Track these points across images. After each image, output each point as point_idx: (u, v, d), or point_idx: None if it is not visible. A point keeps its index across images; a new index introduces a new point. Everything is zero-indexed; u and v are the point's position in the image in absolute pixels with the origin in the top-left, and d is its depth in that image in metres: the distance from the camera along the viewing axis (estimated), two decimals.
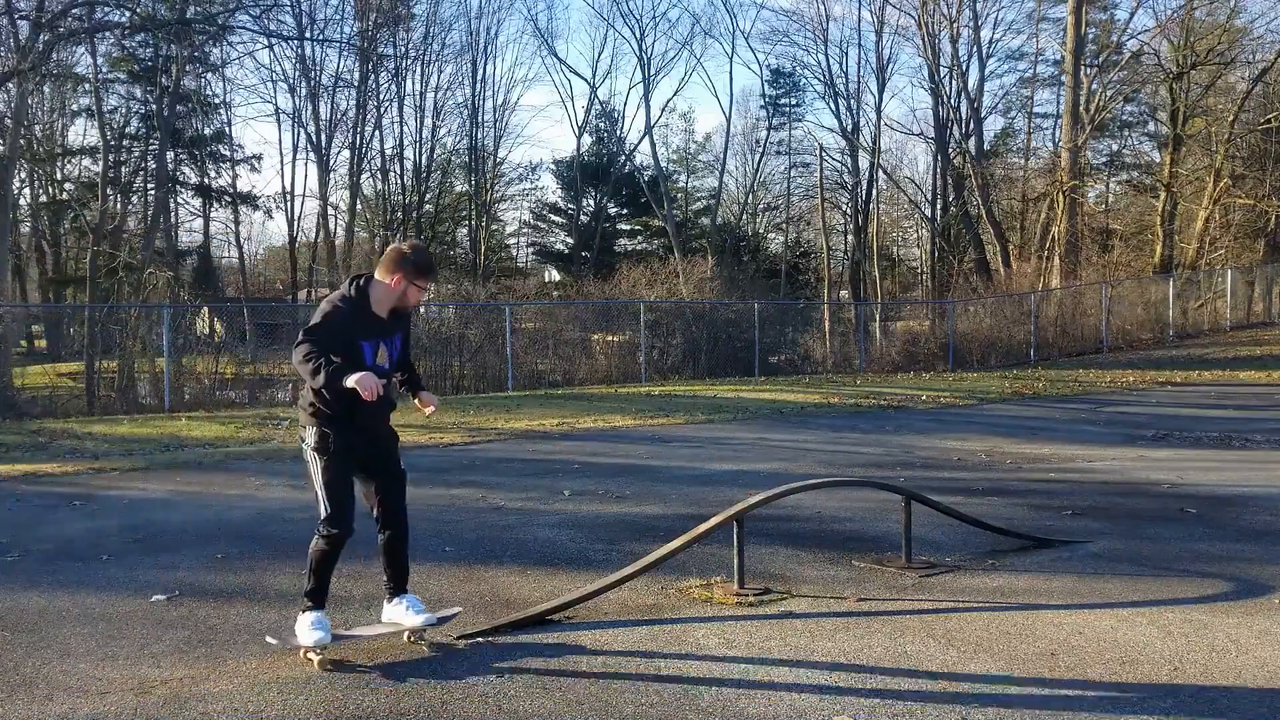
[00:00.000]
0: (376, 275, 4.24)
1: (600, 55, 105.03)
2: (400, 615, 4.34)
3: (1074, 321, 26.75)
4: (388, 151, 43.19)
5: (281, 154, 77.68)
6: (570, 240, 50.07)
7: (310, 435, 4.20)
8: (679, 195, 50.72)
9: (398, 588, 4.39)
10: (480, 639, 4.44)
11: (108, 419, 14.09)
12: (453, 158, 46.09)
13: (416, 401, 4.51)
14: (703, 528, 5.08)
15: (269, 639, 4.28)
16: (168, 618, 4.76)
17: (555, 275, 49.72)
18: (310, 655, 4.13)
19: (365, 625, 4.54)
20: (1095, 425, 13.45)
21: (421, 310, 27.35)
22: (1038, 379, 19.91)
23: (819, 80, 55.33)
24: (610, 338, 23.02)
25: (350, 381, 3.90)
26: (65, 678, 3.96)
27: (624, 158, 48.69)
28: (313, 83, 40.69)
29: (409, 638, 4.40)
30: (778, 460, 10.16)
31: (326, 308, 4.15)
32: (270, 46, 37.95)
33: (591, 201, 49.22)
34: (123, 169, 37.87)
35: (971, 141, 37.64)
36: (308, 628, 4.13)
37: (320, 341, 4.03)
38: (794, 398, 16.50)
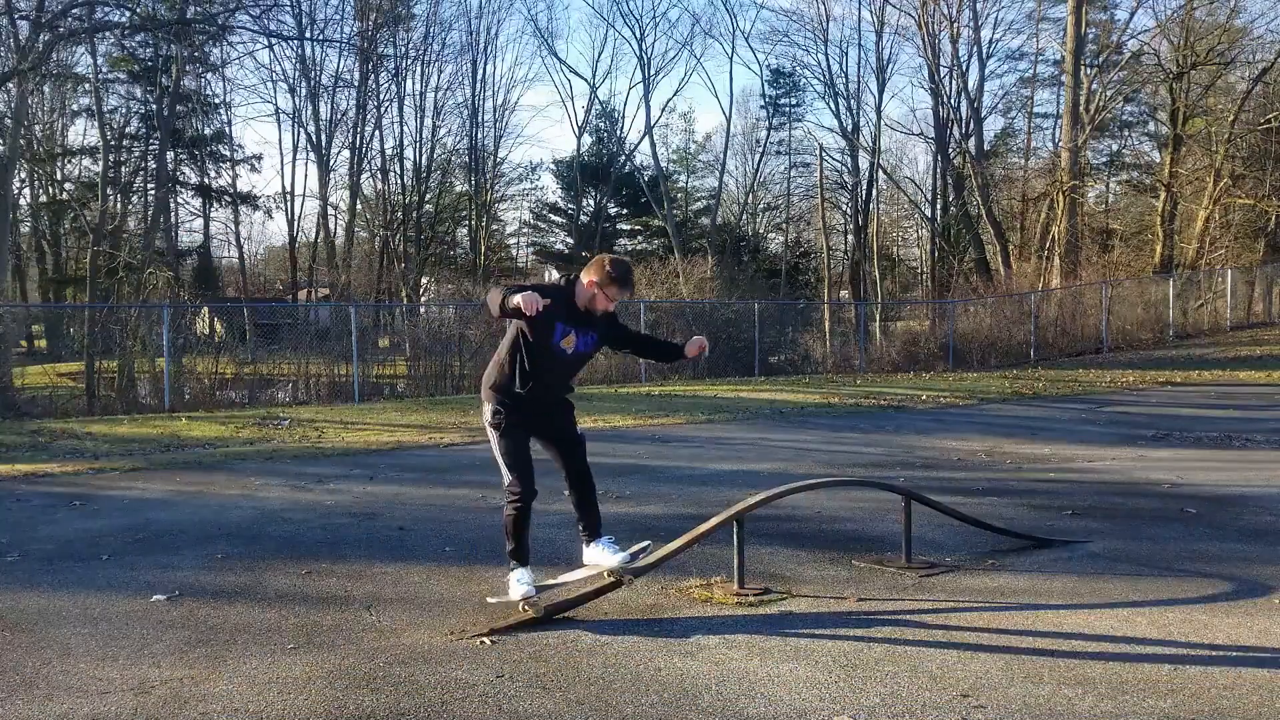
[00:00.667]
0: (582, 275, 4.74)
1: (600, 55, 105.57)
2: (598, 556, 4.84)
3: (1074, 321, 26.74)
4: (388, 151, 43.21)
5: (281, 154, 77.94)
6: (570, 240, 50.06)
7: (487, 411, 4.79)
8: (679, 195, 50.72)
9: (592, 534, 4.90)
10: (480, 639, 4.44)
11: (108, 419, 14.09)
12: (453, 158, 46.07)
13: (689, 352, 4.93)
14: (703, 528, 5.08)
15: (489, 599, 4.77)
16: (168, 618, 4.76)
17: (555, 275, 49.64)
18: (526, 608, 4.63)
19: (568, 571, 5.01)
20: (1095, 425, 13.45)
21: (422, 310, 27.38)
22: (1038, 379, 19.91)
23: (819, 80, 55.49)
24: None
25: (516, 299, 4.32)
26: (65, 678, 3.96)
27: (624, 158, 48.71)
28: (313, 83, 40.71)
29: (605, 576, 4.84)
30: (778, 460, 10.16)
31: (539, 282, 4.76)
32: (270, 46, 38.01)
33: (591, 201, 49.22)
34: (123, 169, 37.86)
35: (971, 141, 37.64)
36: (515, 584, 4.69)
37: (516, 291, 4.47)
38: (794, 398, 16.50)
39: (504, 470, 4.74)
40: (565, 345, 4.68)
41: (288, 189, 44.92)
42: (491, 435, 4.78)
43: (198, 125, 41.68)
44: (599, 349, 5.01)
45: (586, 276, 4.69)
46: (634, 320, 22.31)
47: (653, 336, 5.16)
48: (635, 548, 4.94)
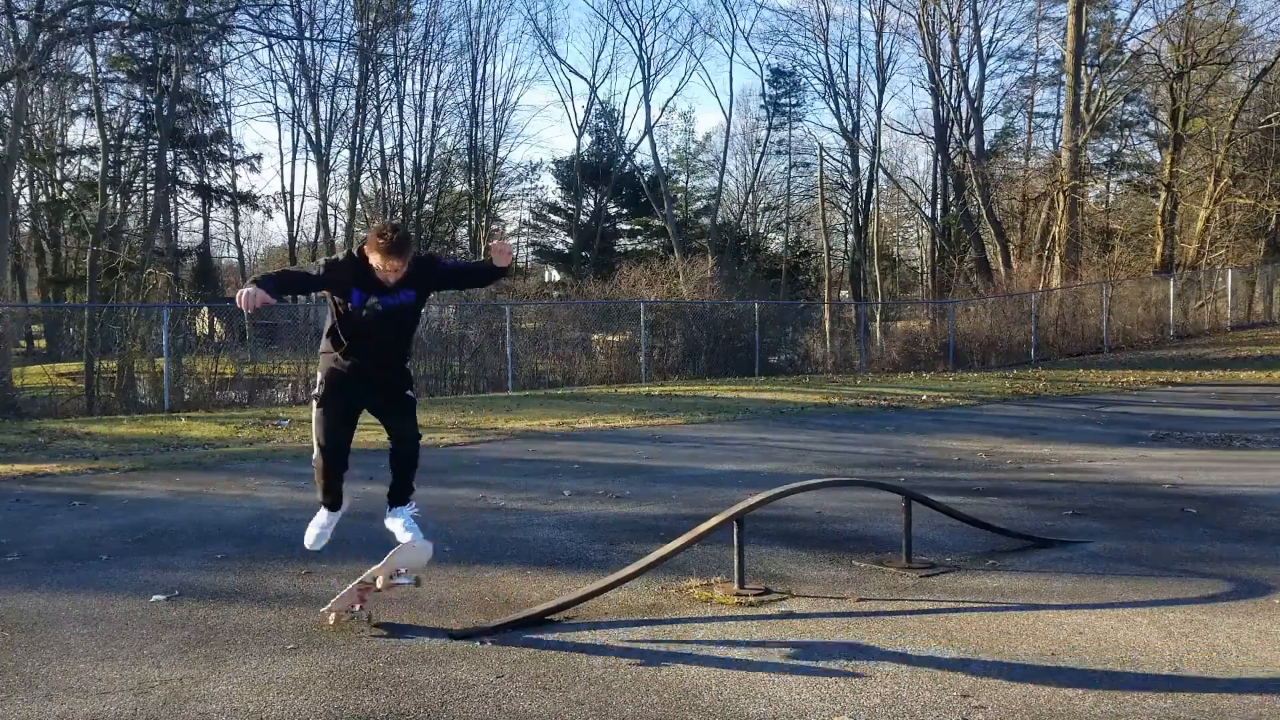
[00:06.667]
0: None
1: (600, 55, 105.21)
2: (395, 527, 4.79)
3: (1074, 321, 26.75)
4: (387, 151, 43.18)
5: (281, 154, 77.87)
6: (570, 240, 50.07)
7: (316, 385, 4.74)
8: (679, 195, 50.70)
9: (396, 501, 4.84)
10: (480, 639, 4.44)
11: (107, 419, 14.08)
12: (453, 157, 46.08)
13: (495, 258, 4.68)
14: (703, 528, 5.07)
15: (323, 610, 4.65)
16: (168, 618, 4.76)
17: (555, 275, 49.71)
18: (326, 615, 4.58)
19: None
20: (1096, 425, 13.45)
21: (421, 310, 27.34)
22: (1038, 379, 19.90)
23: (819, 80, 55.54)
24: (610, 338, 23.02)
25: (241, 292, 4.23)
26: (65, 678, 3.96)
27: (624, 158, 48.69)
28: (312, 82, 40.68)
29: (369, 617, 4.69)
30: (778, 460, 10.15)
31: (331, 256, 4.72)
32: (270, 46, 37.91)
33: (591, 201, 49.21)
34: (122, 169, 37.84)
35: (972, 141, 37.63)
36: (311, 526, 4.87)
37: (305, 269, 4.77)
38: (794, 398, 16.50)
39: (315, 446, 4.72)
40: (366, 308, 4.53)
41: (287, 189, 44.97)
42: (313, 409, 4.69)
43: (197, 125, 41.71)
44: (422, 301, 4.80)
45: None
46: (633, 320, 22.31)
47: (468, 266, 5.06)
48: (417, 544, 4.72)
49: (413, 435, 4.79)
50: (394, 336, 4.70)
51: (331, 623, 4.58)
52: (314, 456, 4.77)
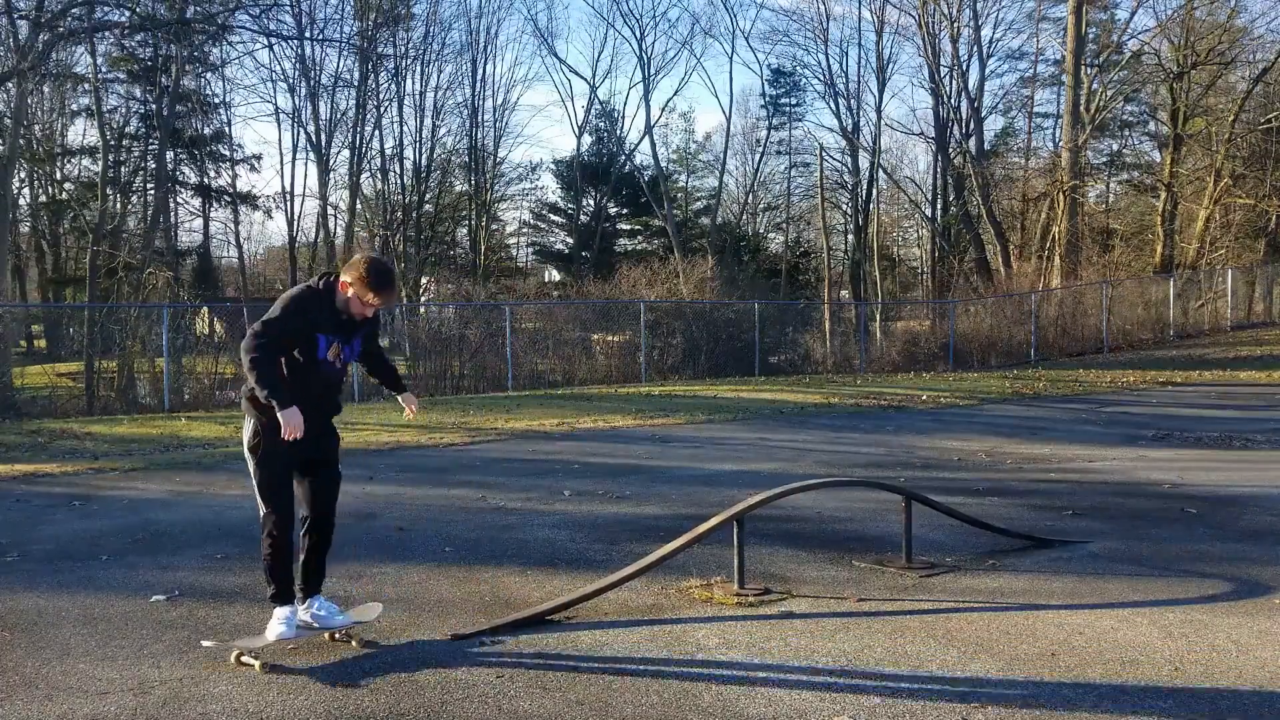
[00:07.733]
0: (343, 276, 4.25)
1: (600, 55, 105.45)
2: (310, 618, 4.34)
3: (1074, 321, 26.75)
4: (388, 151, 43.14)
5: (281, 154, 77.82)
6: (570, 240, 50.04)
7: (247, 431, 4.27)
8: (679, 195, 50.68)
9: (309, 591, 4.38)
10: (480, 639, 4.44)
11: (107, 419, 14.08)
12: (453, 157, 46.03)
13: (400, 401, 4.72)
14: (703, 528, 5.08)
15: (204, 643, 4.30)
16: (168, 618, 4.76)
17: (555, 275, 49.71)
18: (249, 658, 4.10)
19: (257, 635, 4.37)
20: (1096, 425, 13.45)
21: (422, 310, 27.37)
22: (1038, 379, 19.90)
23: (819, 80, 55.64)
24: (610, 338, 23.02)
25: (280, 414, 4.02)
26: (65, 678, 3.96)
27: (624, 158, 48.65)
28: (312, 82, 40.62)
29: (337, 636, 4.45)
30: (778, 460, 10.15)
31: (293, 292, 4.24)
32: (270, 46, 37.84)
33: (591, 201, 49.18)
34: (122, 169, 37.80)
35: (972, 141, 37.63)
36: (275, 623, 4.23)
37: (275, 337, 4.10)
38: (794, 398, 16.49)
39: (260, 502, 4.23)
40: (332, 358, 4.24)
41: (287, 189, 44.89)
42: (249, 460, 4.25)
43: (197, 125, 41.64)
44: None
45: (344, 279, 4.21)
46: (633, 320, 22.32)
47: (387, 361, 4.77)
48: (359, 610, 4.55)
49: (332, 509, 4.40)
50: (339, 388, 4.46)
51: (233, 661, 4.13)
52: (263, 516, 4.22)
